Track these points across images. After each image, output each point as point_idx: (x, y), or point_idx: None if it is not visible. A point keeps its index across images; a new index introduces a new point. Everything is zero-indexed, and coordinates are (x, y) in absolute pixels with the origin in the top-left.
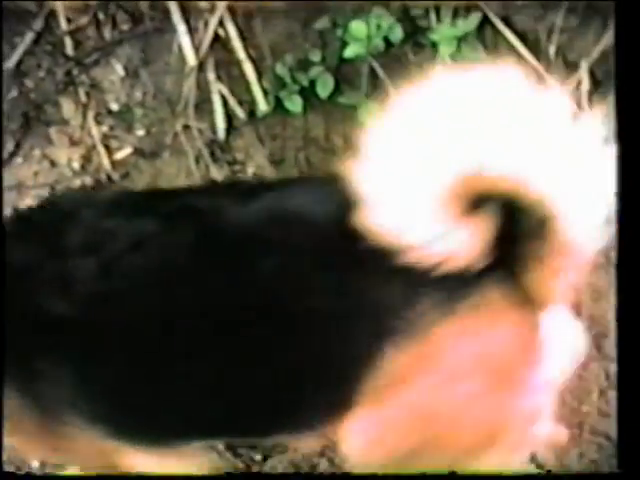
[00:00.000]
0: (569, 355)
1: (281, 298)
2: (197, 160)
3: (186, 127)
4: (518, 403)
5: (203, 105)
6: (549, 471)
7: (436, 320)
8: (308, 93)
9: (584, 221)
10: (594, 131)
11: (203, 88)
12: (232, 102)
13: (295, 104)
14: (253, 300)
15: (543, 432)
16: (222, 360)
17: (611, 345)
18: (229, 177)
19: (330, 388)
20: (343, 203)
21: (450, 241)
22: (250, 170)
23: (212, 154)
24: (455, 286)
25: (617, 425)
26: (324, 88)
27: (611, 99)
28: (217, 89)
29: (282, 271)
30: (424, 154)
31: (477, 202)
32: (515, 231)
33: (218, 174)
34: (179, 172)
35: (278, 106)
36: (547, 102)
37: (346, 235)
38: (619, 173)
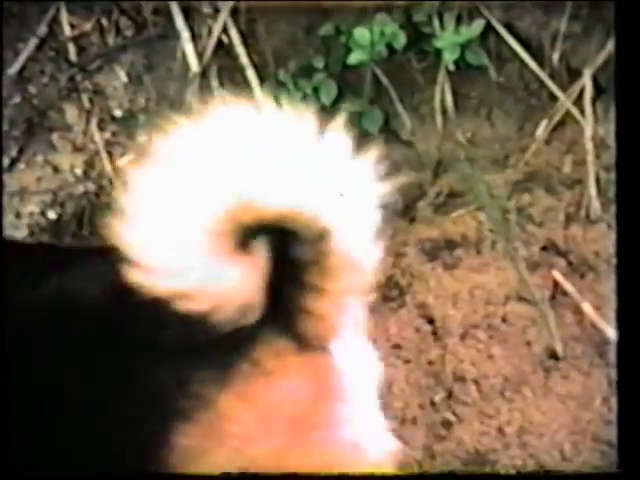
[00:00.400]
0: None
1: (64, 386)
2: None
3: None
4: (329, 443)
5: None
6: (547, 471)
7: (220, 386)
8: (311, 100)
9: (357, 244)
10: (366, 170)
11: (206, 94)
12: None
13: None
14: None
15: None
16: None
17: (614, 352)
18: None
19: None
20: (116, 277)
21: (225, 279)
22: None
23: None
24: (233, 345)
25: (617, 425)
26: (327, 95)
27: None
28: (220, 95)
29: (62, 357)
30: (186, 195)
31: (248, 239)
32: (290, 265)
33: None
34: None
35: None
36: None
37: (122, 311)
38: (619, 174)
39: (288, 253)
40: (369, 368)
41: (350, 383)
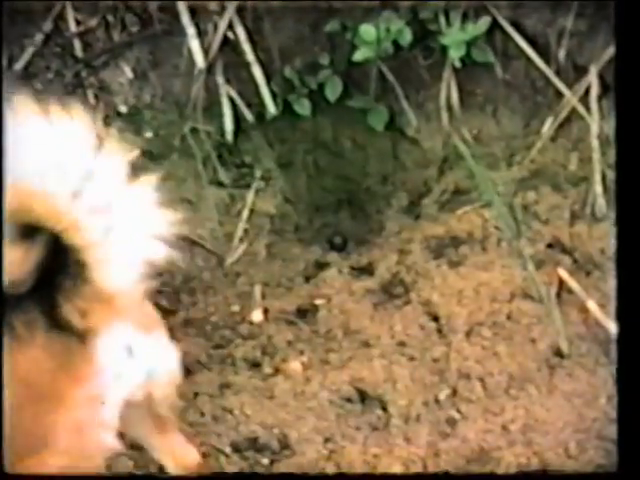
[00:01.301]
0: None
1: None
2: (205, 163)
3: (194, 130)
4: (61, 415)
5: (212, 108)
6: (545, 471)
7: None
8: (317, 96)
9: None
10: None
11: (212, 91)
12: (241, 105)
13: (304, 107)
14: None
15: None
16: None
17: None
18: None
19: None
20: None
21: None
22: (258, 173)
23: (220, 157)
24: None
25: (617, 425)
26: (333, 91)
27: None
28: (226, 92)
29: None
30: None
31: (28, 232)
32: (58, 266)
33: (226, 177)
34: (187, 174)
35: (287, 109)
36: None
37: None
38: (619, 174)
39: (58, 261)
40: (136, 362)
41: (103, 373)
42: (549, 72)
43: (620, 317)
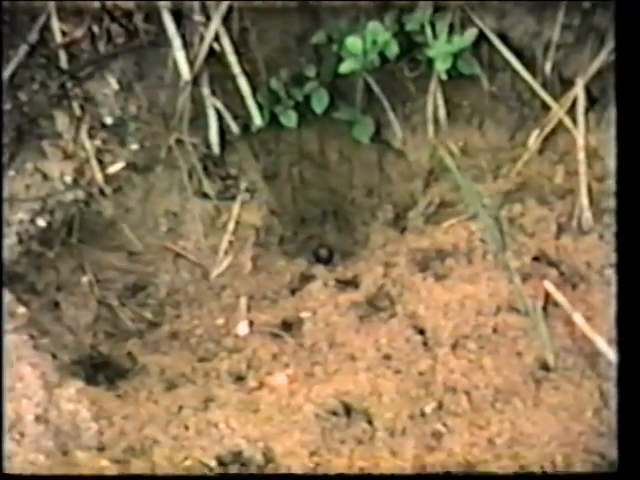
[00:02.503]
0: None
1: None
2: (190, 175)
3: (180, 141)
4: None
5: (197, 119)
6: (545, 471)
7: None
8: (303, 108)
9: None
10: None
11: (197, 102)
12: (226, 116)
13: (290, 119)
14: None
15: None
16: None
17: (605, 364)
18: (222, 191)
19: None
20: None
21: None
22: (243, 185)
23: (205, 169)
24: None
25: (617, 425)
26: (319, 103)
27: (608, 115)
28: (211, 103)
29: None
30: None
31: None
32: None
33: (211, 189)
34: (172, 186)
35: (273, 121)
36: None
37: None
38: (619, 174)
39: None
40: None
41: None
42: (535, 84)
43: (620, 321)
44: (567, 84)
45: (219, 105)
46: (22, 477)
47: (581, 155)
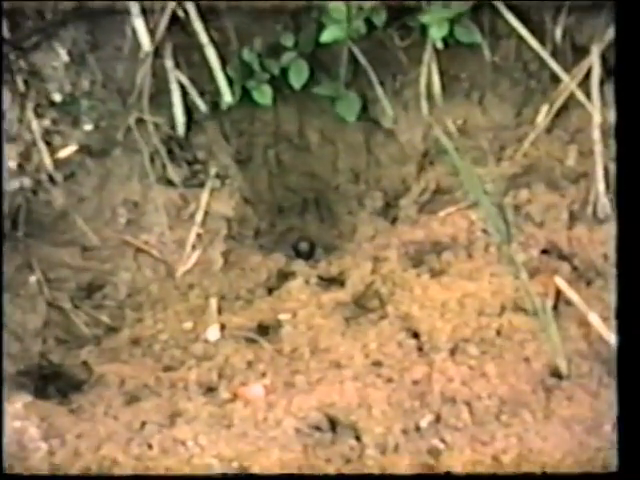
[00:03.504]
0: None
1: None
2: (152, 159)
3: (140, 121)
4: None
5: (159, 96)
6: (544, 472)
7: None
8: (279, 83)
9: None
10: None
11: (159, 77)
12: (193, 93)
13: (264, 95)
14: None
15: None
16: None
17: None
18: (188, 177)
19: None
20: None
21: None
22: (213, 170)
23: (170, 152)
24: None
25: (617, 425)
26: (298, 77)
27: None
28: (175, 78)
29: None
30: None
31: None
32: None
33: (176, 175)
34: (131, 173)
35: (245, 97)
36: None
37: None
38: (619, 172)
39: None
40: None
41: None
42: (544, 53)
43: (620, 319)
44: (580, 52)
45: (184, 80)
46: (22, 477)
47: (596, 133)
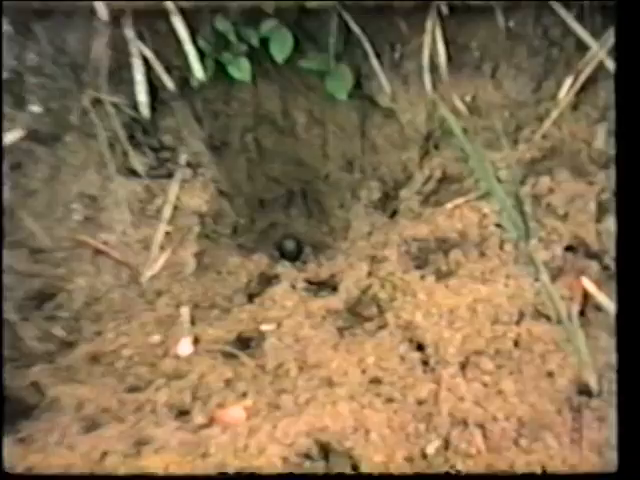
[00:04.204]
0: None
1: None
2: (112, 145)
3: (97, 102)
4: None
5: (120, 72)
6: (545, 471)
7: None
8: (259, 55)
9: None
10: None
11: (119, 49)
12: (158, 68)
13: (242, 70)
14: None
15: None
16: None
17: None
18: (154, 166)
19: None
20: None
21: None
22: (183, 158)
23: (132, 137)
24: None
25: (617, 425)
26: (280, 48)
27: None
28: (138, 51)
29: None
30: None
31: None
32: None
33: (140, 164)
34: (88, 162)
35: (219, 73)
36: None
37: None
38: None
39: None
40: None
41: None
42: (568, 17)
43: (620, 317)
44: (610, 15)
45: (148, 53)
46: (22, 477)
47: None
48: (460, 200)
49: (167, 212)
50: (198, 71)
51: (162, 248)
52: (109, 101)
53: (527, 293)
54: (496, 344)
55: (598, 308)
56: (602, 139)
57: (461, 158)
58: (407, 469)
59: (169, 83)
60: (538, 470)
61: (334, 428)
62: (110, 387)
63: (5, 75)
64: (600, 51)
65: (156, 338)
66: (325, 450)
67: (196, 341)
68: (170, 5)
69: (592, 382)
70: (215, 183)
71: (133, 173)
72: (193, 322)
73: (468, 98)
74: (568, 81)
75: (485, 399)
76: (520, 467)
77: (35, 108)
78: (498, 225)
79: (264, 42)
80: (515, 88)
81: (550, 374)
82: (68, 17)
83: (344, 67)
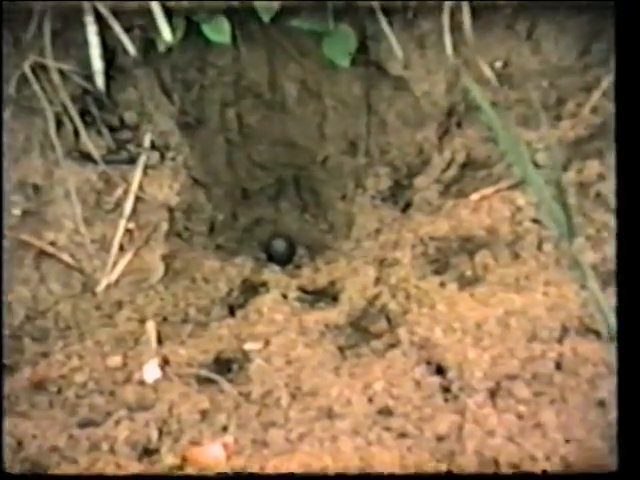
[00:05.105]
0: None
1: None
2: (60, 123)
3: (40, 68)
4: None
5: (68, 32)
6: (544, 471)
7: None
8: (241, 14)
9: None
10: None
11: (67, 4)
12: (116, 28)
13: (219, 31)
14: None
15: None
16: None
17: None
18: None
19: None
20: None
21: None
22: (147, 139)
23: (85, 113)
24: None
25: (617, 425)
26: (267, 4)
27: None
28: (91, 5)
29: None
30: None
31: None
32: None
33: (95, 146)
34: (29, 144)
35: (192, 34)
36: None
37: None
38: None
39: None
40: None
41: None
42: None
43: (620, 315)
44: None
45: (103, 9)
46: (22, 477)
47: None
48: (488, 190)
49: (129, 205)
50: (166, 32)
51: (122, 249)
52: (55, 68)
53: (571, 304)
54: (533, 366)
55: None
56: None
57: (489, 138)
58: None
59: (130, 46)
60: None
61: (334, 468)
62: (59, 421)
63: None
64: None
65: (115, 360)
66: None
67: (165, 363)
68: None
69: None
70: (188, 170)
71: (86, 157)
72: (161, 340)
73: (498, 64)
74: None
75: (520, 434)
76: None
77: None
78: (535, 220)
79: None
80: (556, 52)
81: (601, 403)
82: None
83: (345, 27)
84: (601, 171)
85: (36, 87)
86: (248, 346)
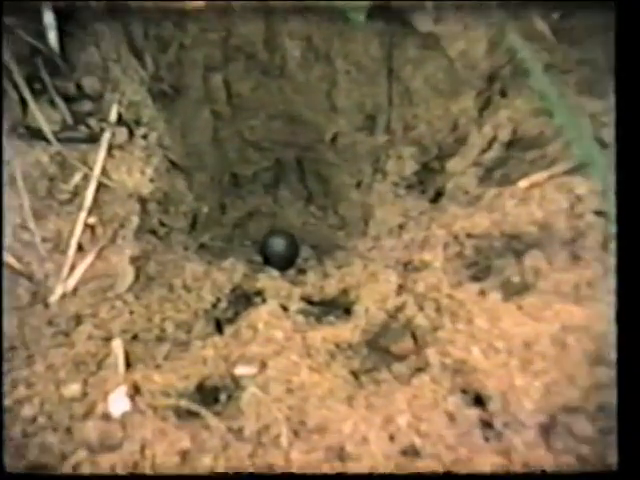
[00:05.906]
0: None
1: None
2: (1, 92)
3: None
4: None
5: None
6: (544, 471)
7: None
8: None
9: None
10: None
11: None
12: None
13: None
14: None
15: None
16: None
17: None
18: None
19: None
20: None
21: None
22: (114, 113)
23: (34, 79)
24: None
25: (617, 425)
26: None
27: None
28: None
29: None
30: None
31: None
32: None
33: (48, 121)
34: None
35: None
36: None
37: None
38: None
39: None
40: None
41: None
42: None
43: (620, 315)
44: None
45: None
46: (23, 477)
47: None
48: (540, 175)
49: (90, 195)
50: None
51: (82, 250)
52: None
53: None
54: (598, 396)
55: None
56: None
57: (542, 110)
58: None
59: None
60: None
61: None
62: (5, 463)
63: None
64: None
65: (74, 389)
66: None
67: (135, 392)
68: None
69: None
70: (163, 150)
71: (36, 134)
72: (130, 364)
73: (556, 16)
74: None
75: None
76: None
77: None
78: (599, 213)
79: None
80: None
81: None
82: None
83: None
84: None
85: None
86: (239, 370)
